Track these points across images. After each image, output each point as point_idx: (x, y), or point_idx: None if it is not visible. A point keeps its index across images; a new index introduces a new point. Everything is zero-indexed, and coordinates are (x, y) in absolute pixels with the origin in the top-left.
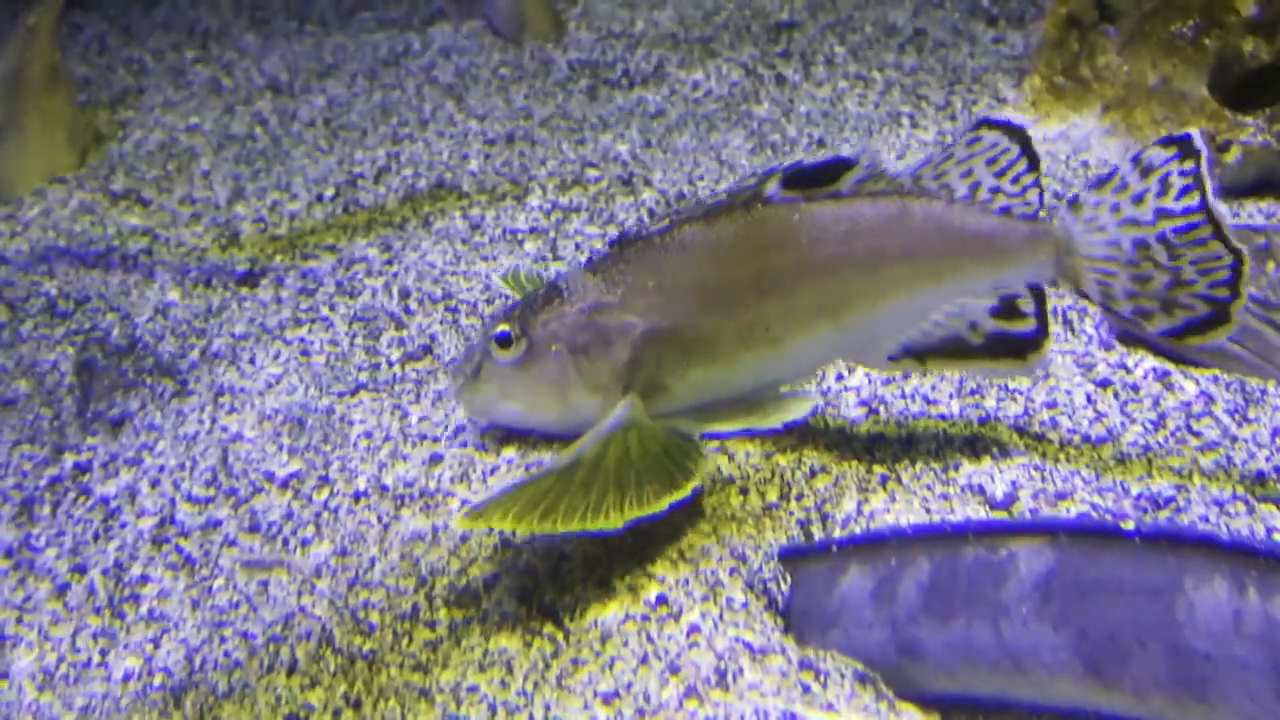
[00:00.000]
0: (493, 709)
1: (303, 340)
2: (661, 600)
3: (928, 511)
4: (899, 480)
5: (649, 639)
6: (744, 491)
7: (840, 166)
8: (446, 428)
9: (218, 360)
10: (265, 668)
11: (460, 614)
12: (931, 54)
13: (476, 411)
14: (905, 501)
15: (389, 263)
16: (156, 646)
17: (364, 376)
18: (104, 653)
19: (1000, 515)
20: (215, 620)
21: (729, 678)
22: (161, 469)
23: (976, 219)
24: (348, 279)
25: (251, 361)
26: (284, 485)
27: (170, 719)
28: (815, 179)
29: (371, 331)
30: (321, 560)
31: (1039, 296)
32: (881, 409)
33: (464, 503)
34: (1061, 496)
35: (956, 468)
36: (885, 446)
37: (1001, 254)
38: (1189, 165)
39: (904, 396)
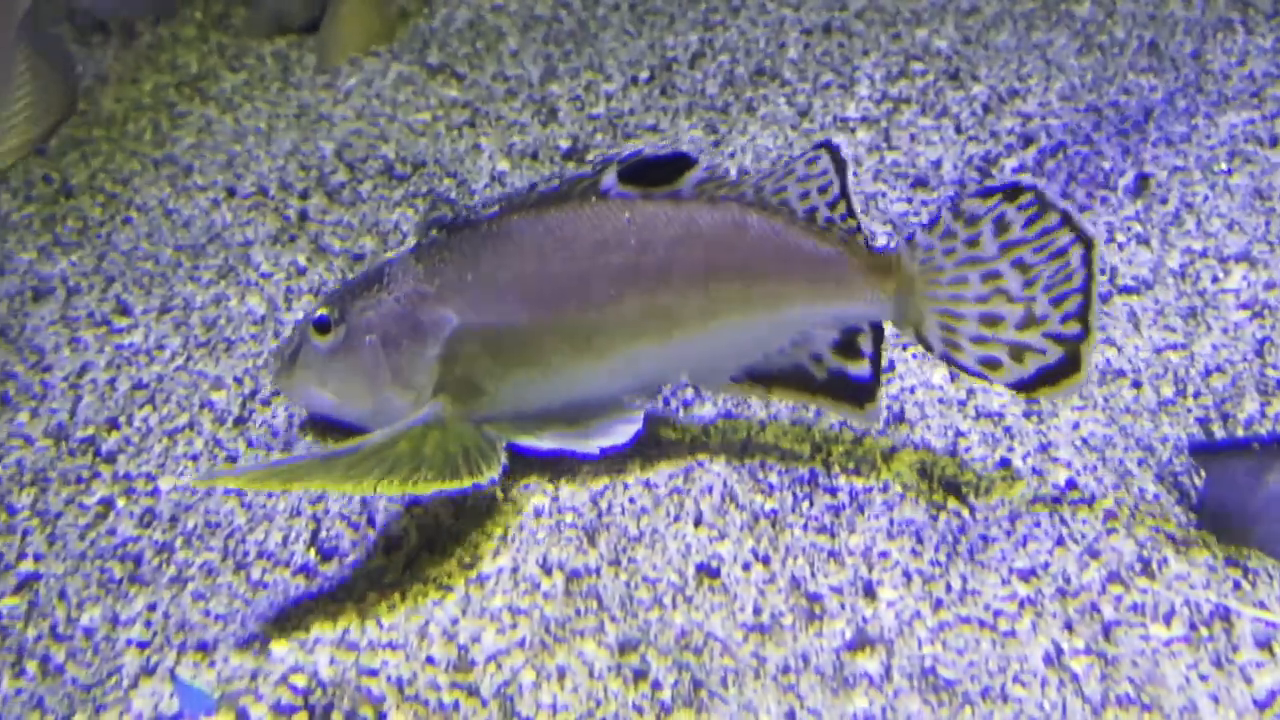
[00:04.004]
0: (907, 575)
1: None
2: (1071, 484)
3: None
4: None
5: (1062, 521)
6: (1136, 384)
7: (682, 163)
8: None
9: None
10: (672, 517)
11: (860, 482)
12: None
13: (294, 397)
14: None
15: (715, 144)
16: (554, 484)
17: None
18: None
19: None
20: (612, 469)
21: (1153, 566)
22: None
23: (817, 242)
24: None
25: None
26: None
27: (587, 555)
28: (655, 174)
29: None
30: (710, 418)
31: (877, 335)
32: None
33: None
34: None
35: None
36: None
37: (844, 285)
38: (1027, 198)
39: None
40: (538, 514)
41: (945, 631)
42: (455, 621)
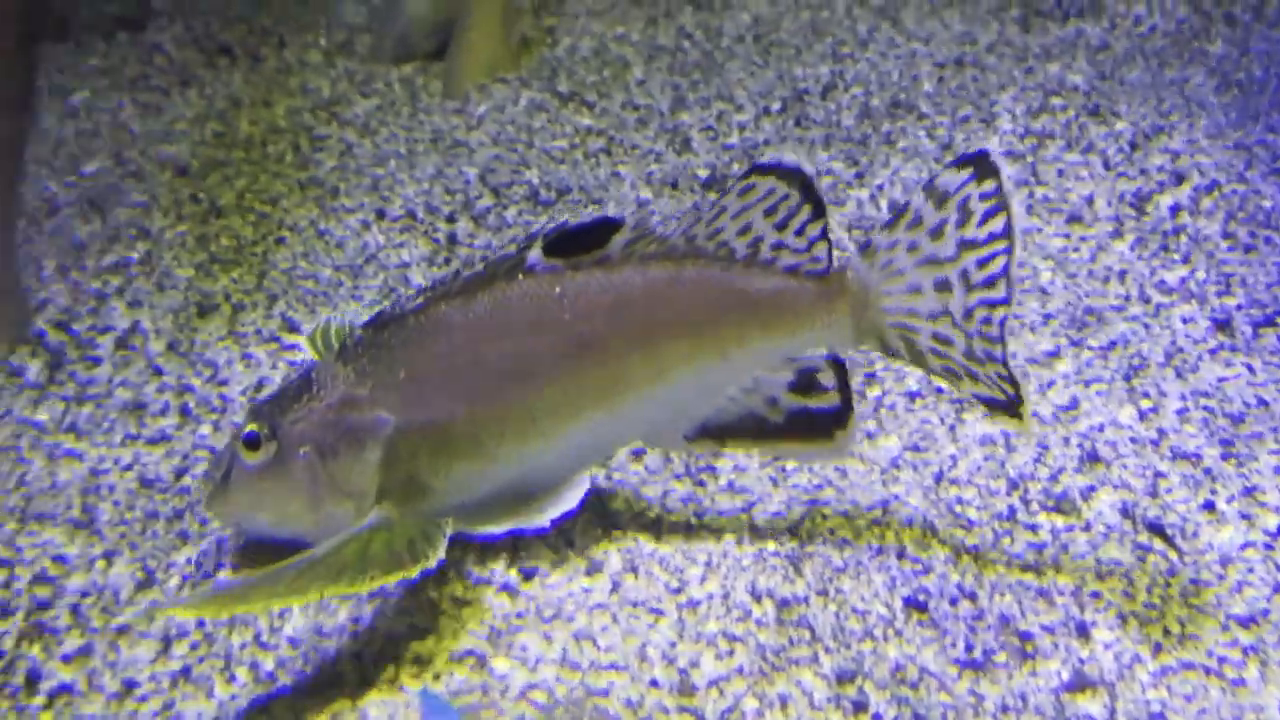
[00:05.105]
0: (1122, 617)
1: None
2: None
3: None
4: None
5: (1277, 568)
6: None
7: (608, 228)
8: None
9: None
10: (875, 550)
11: (1061, 520)
12: None
13: (228, 522)
14: None
15: (858, 176)
16: (749, 514)
17: None
18: (698, 515)
19: None
20: (803, 499)
21: None
22: None
23: (759, 280)
24: (830, 187)
25: None
26: None
27: (794, 584)
28: (581, 242)
29: None
30: (895, 454)
31: (838, 369)
32: None
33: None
34: None
35: None
36: None
37: (791, 318)
38: (989, 186)
39: None
40: (739, 541)
41: (1169, 676)
42: (673, 645)
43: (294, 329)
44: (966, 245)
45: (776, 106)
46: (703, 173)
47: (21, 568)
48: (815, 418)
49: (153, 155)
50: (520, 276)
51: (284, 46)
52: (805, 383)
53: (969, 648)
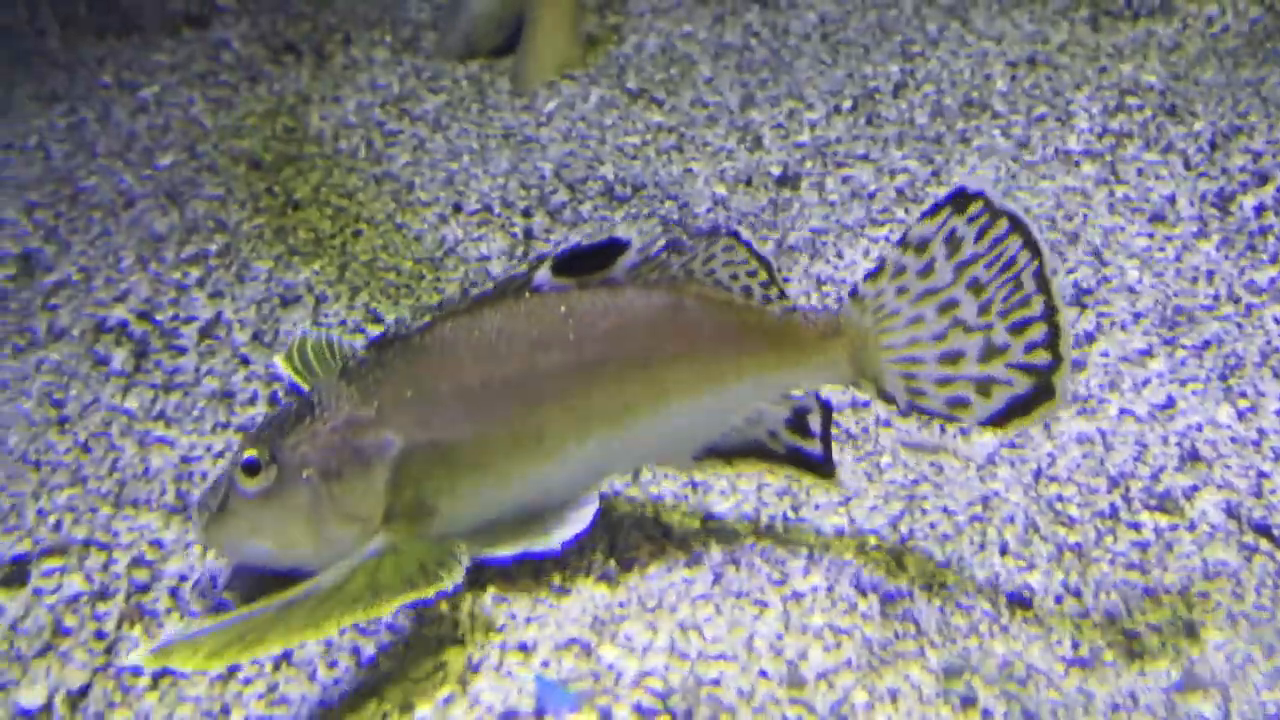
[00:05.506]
0: (1231, 618)
1: (886, 239)
2: None
3: None
4: None
5: None
6: None
7: (616, 249)
8: (1075, 340)
9: (795, 252)
10: (977, 545)
11: (1164, 519)
12: None
13: (225, 552)
14: None
15: (934, 174)
16: (847, 507)
17: None
18: (794, 508)
19: None
20: (900, 494)
21: None
22: None
23: (759, 314)
24: (906, 185)
25: (838, 254)
26: None
27: (897, 578)
28: (590, 263)
29: None
30: (992, 449)
31: (825, 414)
32: None
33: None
34: None
35: None
36: None
37: (792, 351)
38: (974, 208)
39: None
40: (838, 535)
41: None
42: (780, 636)
43: (378, 320)
44: (968, 262)
45: (847, 105)
46: (775, 170)
47: (119, 551)
48: (808, 461)
49: (225, 149)
50: (528, 295)
51: (349, 43)
52: (799, 424)
53: (1075, 645)
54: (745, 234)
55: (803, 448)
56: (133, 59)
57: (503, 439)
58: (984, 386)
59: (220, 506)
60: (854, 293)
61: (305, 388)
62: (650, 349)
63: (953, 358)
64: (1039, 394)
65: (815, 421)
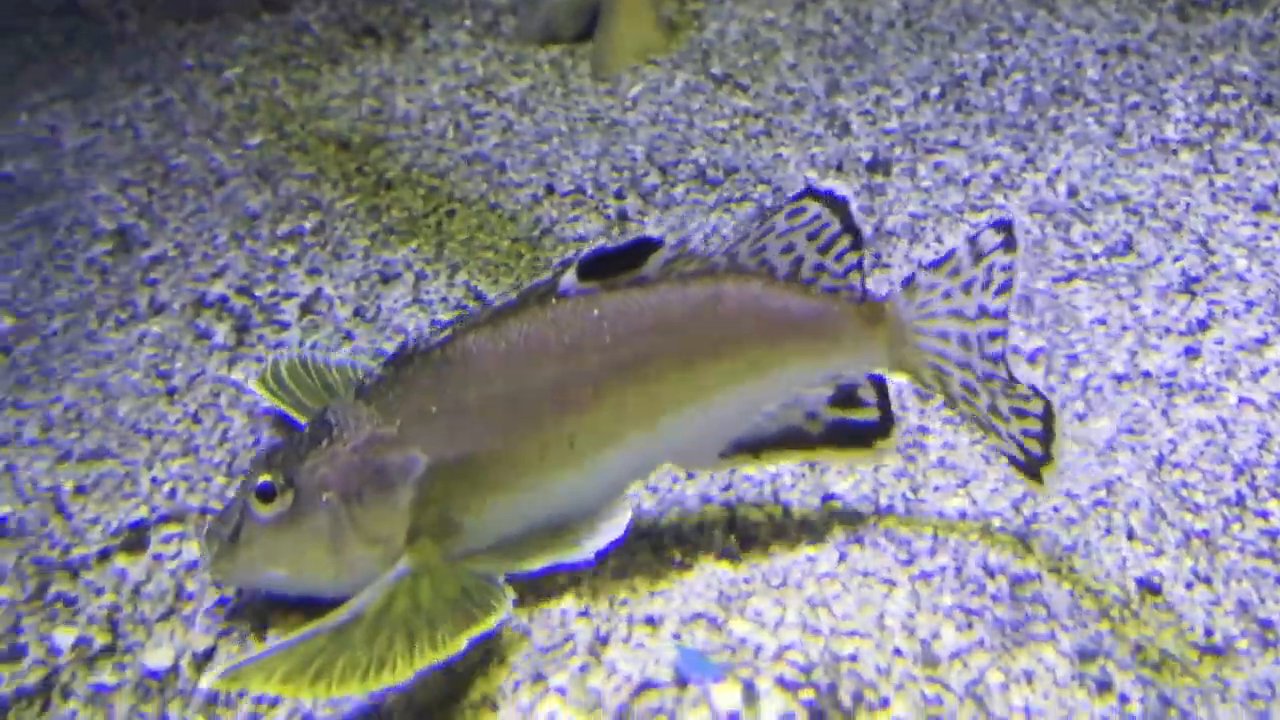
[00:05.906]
0: None
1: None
2: None
3: None
4: None
5: None
6: None
7: (645, 248)
8: (1187, 327)
9: (894, 237)
10: (1103, 530)
11: None
12: None
13: (237, 582)
14: None
15: (1028, 162)
16: (966, 488)
17: (1071, 265)
18: (914, 489)
19: None
20: (1018, 476)
21: None
22: None
23: (800, 301)
24: (1001, 172)
25: (939, 239)
26: (1031, 359)
27: (1024, 560)
28: (618, 265)
29: (1058, 223)
30: (1110, 435)
31: (879, 385)
32: None
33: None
34: None
35: None
36: None
37: (831, 340)
38: (1007, 259)
39: None
40: (962, 516)
41: None
42: (911, 615)
43: (479, 298)
44: (983, 312)
45: (935, 92)
46: (865, 155)
47: None
48: (856, 429)
49: (313, 130)
50: (554, 302)
51: (429, 27)
52: (845, 398)
53: (1209, 632)
54: (843, 190)
55: (851, 419)
56: (214, 42)
57: (532, 450)
58: (995, 431)
59: (233, 536)
60: (909, 280)
61: (288, 412)
62: (687, 345)
63: (970, 391)
64: (1029, 472)
65: (867, 394)
